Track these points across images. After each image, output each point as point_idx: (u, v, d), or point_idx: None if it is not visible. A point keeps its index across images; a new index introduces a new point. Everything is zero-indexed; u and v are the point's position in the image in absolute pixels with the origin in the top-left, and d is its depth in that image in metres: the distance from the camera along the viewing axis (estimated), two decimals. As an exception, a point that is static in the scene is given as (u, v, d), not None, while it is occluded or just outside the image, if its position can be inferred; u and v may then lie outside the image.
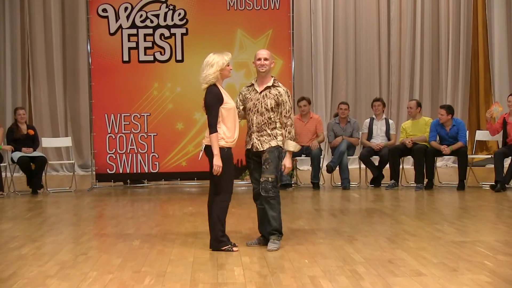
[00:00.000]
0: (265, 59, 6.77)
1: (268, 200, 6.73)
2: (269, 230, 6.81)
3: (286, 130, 6.75)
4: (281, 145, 6.77)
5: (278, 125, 6.76)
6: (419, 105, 12.31)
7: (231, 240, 6.75)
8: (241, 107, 6.93)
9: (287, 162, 6.83)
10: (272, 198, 6.73)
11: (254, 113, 6.77)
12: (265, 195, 6.72)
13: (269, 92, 6.74)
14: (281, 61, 12.28)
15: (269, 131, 6.73)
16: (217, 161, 6.51)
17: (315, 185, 11.99)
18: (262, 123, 6.74)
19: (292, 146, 6.75)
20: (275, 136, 6.73)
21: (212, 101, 6.58)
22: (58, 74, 16.12)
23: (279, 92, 6.72)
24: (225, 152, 6.56)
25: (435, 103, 16.71)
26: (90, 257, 6.58)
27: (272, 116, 6.72)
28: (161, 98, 12.47)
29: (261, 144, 6.74)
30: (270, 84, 6.77)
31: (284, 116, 6.73)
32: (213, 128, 6.54)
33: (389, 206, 9.97)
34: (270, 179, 6.70)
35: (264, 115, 6.73)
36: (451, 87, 16.76)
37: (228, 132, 6.59)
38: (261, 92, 6.77)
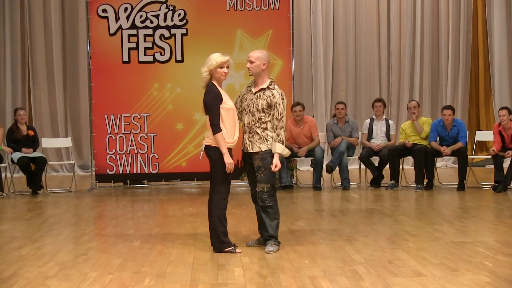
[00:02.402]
0: (251, 62, 6.70)
1: (266, 209, 6.72)
2: (265, 236, 6.81)
3: (275, 133, 6.65)
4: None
5: (269, 126, 6.65)
6: (419, 105, 12.36)
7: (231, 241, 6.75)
8: (240, 108, 6.89)
9: (275, 161, 6.60)
10: (270, 207, 6.70)
11: (247, 113, 6.74)
12: (262, 205, 6.71)
13: (263, 93, 6.68)
14: (281, 61, 12.29)
15: (259, 132, 6.64)
16: (228, 159, 6.49)
17: (317, 188, 11.98)
18: (253, 123, 6.68)
19: (279, 148, 6.61)
20: (265, 139, 6.64)
21: (212, 100, 6.55)
22: (58, 74, 16.12)
23: (272, 94, 6.64)
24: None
25: (435, 103, 16.73)
26: (90, 257, 6.58)
27: (262, 117, 6.64)
28: (161, 99, 12.48)
29: (251, 145, 6.70)
30: (265, 86, 6.70)
31: (276, 118, 6.63)
32: (216, 128, 6.50)
33: (389, 206, 9.97)
34: (265, 188, 6.68)
35: (255, 115, 6.66)
36: (451, 88, 16.76)
37: (227, 133, 6.56)
38: (255, 93, 6.73)
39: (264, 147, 6.65)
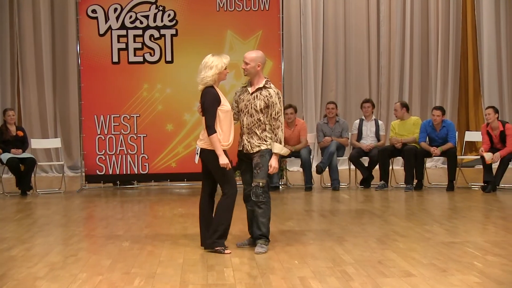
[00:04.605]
0: (246, 63, 6.74)
1: (259, 205, 6.72)
2: (256, 235, 6.81)
3: (273, 133, 6.70)
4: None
5: (268, 127, 6.70)
6: (404, 106, 12.31)
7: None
8: (236, 109, 6.90)
9: (273, 162, 6.71)
10: (263, 203, 6.71)
11: (245, 114, 6.76)
12: (256, 200, 6.71)
13: (260, 94, 6.71)
14: (271, 62, 12.27)
15: (258, 133, 6.68)
16: (224, 160, 6.52)
17: (309, 188, 11.97)
18: (252, 124, 6.71)
19: (278, 148, 6.68)
20: (264, 140, 6.68)
21: (210, 102, 6.57)
22: (47, 75, 16.06)
23: (269, 94, 6.68)
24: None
25: (424, 103, 16.79)
26: (79, 258, 6.57)
27: (261, 118, 6.68)
28: (151, 99, 12.44)
29: (250, 147, 6.73)
30: (261, 85, 6.74)
31: (273, 118, 6.67)
32: (211, 130, 6.52)
33: (379, 207, 9.99)
34: (261, 184, 6.68)
35: (253, 116, 6.70)
36: (441, 88, 16.82)
37: (223, 135, 6.59)
38: (252, 93, 6.75)
39: (263, 147, 6.70)
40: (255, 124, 6.70)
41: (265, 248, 6.68)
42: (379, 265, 5.99)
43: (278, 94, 6.73)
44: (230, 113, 6.68)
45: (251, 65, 6.74)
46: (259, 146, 6.69)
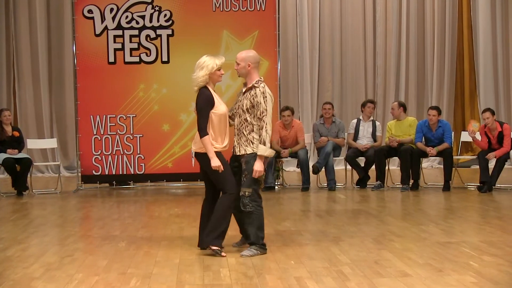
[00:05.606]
0: (237, 64, 6.66)
1: (247, 215, 6.59)
2: (248, 242, 6.74)
3: (259, 133, 6.55)
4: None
5: (255, 128, 6.54)
6: (401, 105, 12.32)
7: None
8: (234, 110, 6.81)
9: (256, 165, 6.49)
10: (251, 213, 6.56)
11: (236, 114, 6.72)
12: (243, 210, 6.59)
13: (249, 93, 6.59)
14: (267, 62, 12.28)
15: (246, 134, 6.55)
16: (215, 162, 6.41)
17: (305, 189, 11.97)
18: (240, 125, 6.61)
19: (261, 150, 6.47)
20: (251, 141, 6.54)
21: (203, 104, 6.49)
22: (43, 75, 16.05)
23: (255, 93, 6.53)
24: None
25: (420, 104, 16.82)
26: (75, 259, 6.56)
27: (248, 118, 6.55)
28: (147, 100, 12.44)
29: (238, 148, 6.62)
30: (251, 85, 6.65)
31: (258, 118, 6.51)
32: (203, 131, 6.44)
33: (375, 207, 9.99)
34: (246, 193, 6.52)
35: (241, 116, 6.60)
36: (437, 88, 16.85)
37: (216, 139, 6.53)
38: (244, 93, 6.70)
39: (249, 150, 6.55)
40: (242, 124, 6.59)
41: (252, 252, 6.54)
42: (375, 265, 6.00)
43: (264, 93, 6.51)
44: (224, 116, 6.58)
45: (241, 65, 6.64)
46: (245, 148, 6.56)
